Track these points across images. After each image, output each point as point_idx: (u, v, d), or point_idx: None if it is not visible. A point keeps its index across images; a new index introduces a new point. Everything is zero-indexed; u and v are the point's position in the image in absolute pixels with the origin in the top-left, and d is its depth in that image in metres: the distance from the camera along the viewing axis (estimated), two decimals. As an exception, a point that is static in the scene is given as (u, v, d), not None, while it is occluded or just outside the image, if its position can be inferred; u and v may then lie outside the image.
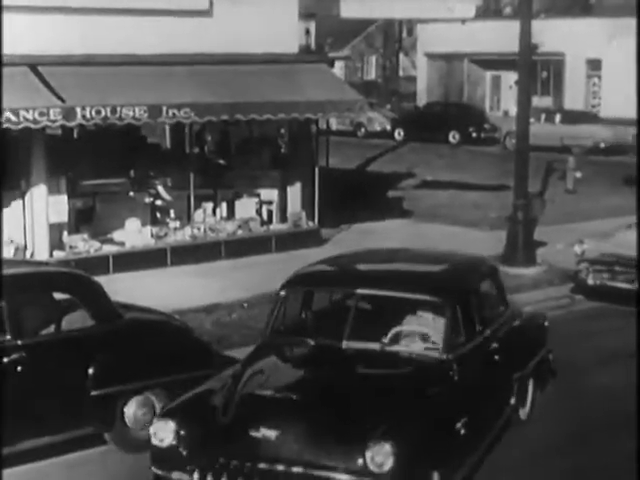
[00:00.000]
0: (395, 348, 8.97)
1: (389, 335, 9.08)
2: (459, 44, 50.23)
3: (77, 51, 16.24)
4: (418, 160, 34.97)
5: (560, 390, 11.23)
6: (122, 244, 17.36)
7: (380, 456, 7.45)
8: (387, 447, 7.45)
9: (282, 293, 9.52)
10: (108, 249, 17.12)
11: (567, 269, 16.60)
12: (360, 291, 9.29)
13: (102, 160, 17.85)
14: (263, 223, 19.39)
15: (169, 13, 17.49)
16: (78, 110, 15.50)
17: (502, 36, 36.00)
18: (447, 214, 23.36)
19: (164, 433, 8.03)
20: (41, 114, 15.08)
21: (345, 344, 8.83)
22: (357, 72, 66.25)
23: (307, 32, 24.44)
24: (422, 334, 9.17)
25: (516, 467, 9.35)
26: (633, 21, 43.26)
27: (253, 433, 7.77)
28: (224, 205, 19.23)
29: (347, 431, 7.70)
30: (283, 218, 19.69)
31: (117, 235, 17.49)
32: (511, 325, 10.36)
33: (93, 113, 15.63)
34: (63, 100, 15.44)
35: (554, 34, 45.39)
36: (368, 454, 7.48)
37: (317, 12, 40.37)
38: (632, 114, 34.07)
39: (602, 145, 37.92)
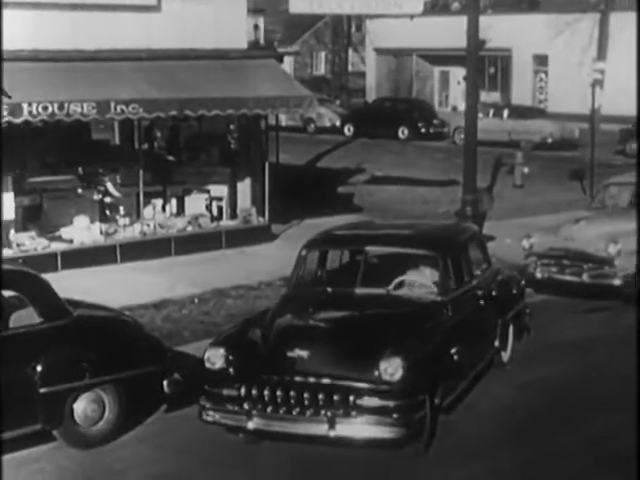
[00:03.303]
0: (399, 292, 10.67)
1: (393, 283, 10.70)
2: (408, 40, 50.49)
3: (24, 46, 16.08)
4: (368, 156, 35.07)
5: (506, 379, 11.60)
6: (71, 241, 17.23)
7: (391, 368, 9.06)
8: (397, 360, 9.08)
9: (303, 252, 11.17)
10: (56, 246, 16.99)
11: (515, 263, 16.73)
12: (369, 248, 11.08)
13: (50, 157, 17.72)
14: (213, 219, 19.35)
15: (117, 8, 17.39)
16: (24, 106, 15.36)
17: (450, 32, 36.36)
18: (397, 209, 23.44)
19: (216, 358, 9.54)
20: (-14, 110, 14.92)
21: (358, 290, 10.55)
22: (306, 68, 66.35)
23: (256, 27, 24.47)
24: (419, 282, 10.85)
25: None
26: (579, 17, 44.08)
27: (289, 354, 9.37)
28: (174, 201, 19.16)
29: (364, 350, 9.36)
30: (233, 214, 19.66)
31: (65, 232, 17.35)
32: (494, 279, 12.23)
33: (40, 109, 15.50)
34: (9, 96, 15.28)
35: (501, 30, 45.82)
36: (382, 366, 9.09)
37: (266, 8, 40.43)
38: (578, 109, 34.51)
39: (549, 140, 38.35)
